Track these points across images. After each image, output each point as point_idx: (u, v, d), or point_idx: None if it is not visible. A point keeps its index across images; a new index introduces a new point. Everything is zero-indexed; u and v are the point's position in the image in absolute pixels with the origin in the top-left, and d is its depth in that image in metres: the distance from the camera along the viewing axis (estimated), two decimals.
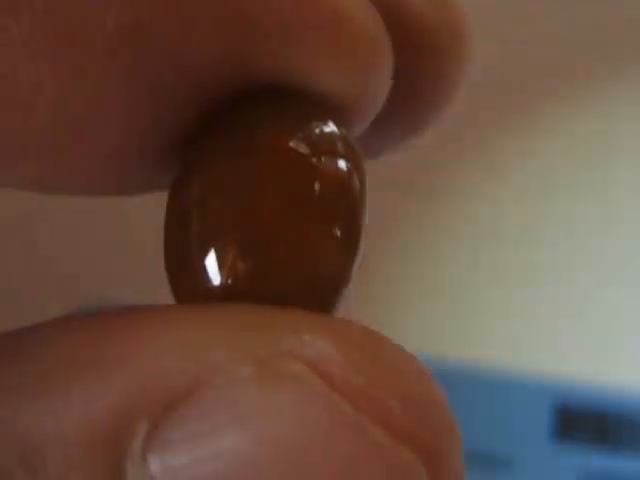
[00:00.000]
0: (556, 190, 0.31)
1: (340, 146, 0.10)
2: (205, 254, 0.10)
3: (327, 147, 0.10)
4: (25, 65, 0.10)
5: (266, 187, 0.10)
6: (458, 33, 0.11)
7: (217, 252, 0.10)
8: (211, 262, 0.10)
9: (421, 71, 0.11)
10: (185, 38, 0.10)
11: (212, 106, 0.10)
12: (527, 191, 0.31)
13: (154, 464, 0.09)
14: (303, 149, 0.10)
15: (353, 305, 0.11)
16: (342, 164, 0.10)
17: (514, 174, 0.32)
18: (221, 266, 0.10)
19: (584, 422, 0.27)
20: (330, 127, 0.10)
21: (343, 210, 0.10)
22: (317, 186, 0.10)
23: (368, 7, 0.10)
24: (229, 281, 0.10)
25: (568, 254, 0.30)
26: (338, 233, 0.10)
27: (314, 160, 0.10)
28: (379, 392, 0.09)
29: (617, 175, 0.31)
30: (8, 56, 0.10)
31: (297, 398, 0.09)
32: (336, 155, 0.10)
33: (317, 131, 0.10)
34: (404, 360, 0.09)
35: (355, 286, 0.11)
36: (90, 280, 0.29)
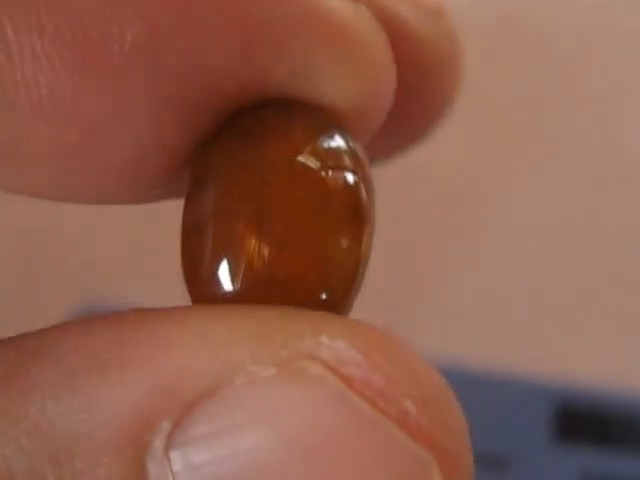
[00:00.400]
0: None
1: (347, 159, 0.11)
2: (219, 263, 0.10)
3: (335, 160, 0.10)
4: (46, 76, 0.10)
5: (277, 201, 0.10)
6: (450, 51, 0.12)
7: (230, 262, 0.10)
8: (224, 271, 0.10)
9: (415, 84, 0.12)
10: (198, 53, 0.10)
11: (224, 116, 0.11)
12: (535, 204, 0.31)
13: (176, 461, 0.09)
14: (312, 163, 0.10)
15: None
16: (350, 177, 0.10)
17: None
18: (233, 275, 0.10)
19: (584, 422, 0.27)
20: (338, 139, 0.11)
21: (351, 221, 0.10)
22: (326, 199, 0.10)
23: (373, 22, 0.11)
24: (242, 287, 0.10)
25: (569, 259, 0.30)
26: (346, 243, 0.10)
27: (323, 174, 0.10)
28: (396, 392, 0.09)
29: None
30: (31, 68, 0.10)
31: (317, 397, 0.09)
32: (344, 168, 0.10)
33: (325, 144, 0.10)
34: (418, 362, 0.09)
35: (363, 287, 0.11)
36: (90, 280, 0.29)
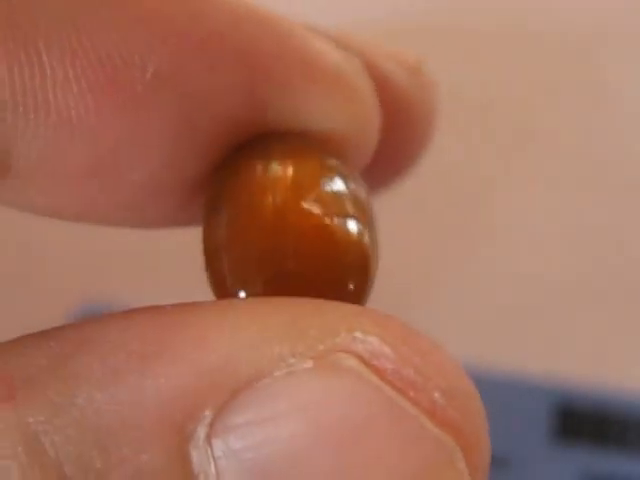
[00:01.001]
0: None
1: (348, 199, 0.12)
2: (236, 290, 0.11)
3: (338, 207, 0.11)
4: (75, 99, 0.11)
5: (284, 242, 0.11)
6: (426, 100, 0.14)
7: (246, 291, 0.11)
8: (242, 296, 0.11)
9: (397, 127, 0.14)
10: (211, 85, 0.12)
11: (233, 145, 0.12)
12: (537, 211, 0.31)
13: (217, 447, 0.09)
14: (317, 210, 0.11)
15: None
16: (353, 224, 0.11)
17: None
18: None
19: (585, 422, 0.27)
20: (337, 179, 0.12)
21: (356, 264, 0.11)
22: (331, 244, 0.11)
23: (361, 69, 0.13)
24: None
25: (569, 259, 0.30)
26: (351, 286, 0.11)
27: (327, 220, 0.11)
28: (425, 384, 0.10)
29: None
30: (62, 90, 0.11)
31: (352, 388, 0.10)
32: (345, 210, 0.11)
33: (329, 188, 0.11)
34: (444, 356, 0.10)
35: None
36: (91, 281, 0.29)
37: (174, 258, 0.27)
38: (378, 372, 0.10)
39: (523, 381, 0.27)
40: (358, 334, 0.10)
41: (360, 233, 0.11)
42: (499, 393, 0.27)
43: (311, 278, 0.11)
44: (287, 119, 0.12)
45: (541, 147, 0.32)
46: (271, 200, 0.11)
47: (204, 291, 0.27)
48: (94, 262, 0.29)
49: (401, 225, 0.30)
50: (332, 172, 0.12)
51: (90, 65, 0.11)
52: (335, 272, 0.11)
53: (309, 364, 0.10)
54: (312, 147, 0.12)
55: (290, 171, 0.11)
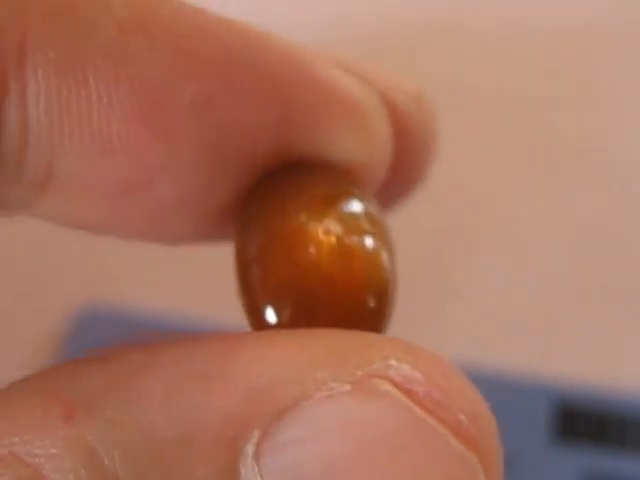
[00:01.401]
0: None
1: (367, 223, 0.12)
2: (265, 308, 0.12)
3: (356, 226, 0.12)
4: (117, 123, 0.12)
5: (307, 263, 0.12)
6: (431, 131, 0.15)
7: (275, 310, 0.12)
8: (271, 314, 0.12)
9: (404, 149, 0.15)
10: (243, 115, 0.13)
11: (261, 173, 0.13)
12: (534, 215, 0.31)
13: (264, 464, 0.10)
14: (337, 229, 0.12)
15: None
16: (370, 241, 0.12)
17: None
18: (279, 318, 0.12)
19: (585, 422, 0.27)
20: (356, 204, 0.13)
21: (375, 281, 0.12)
22: (351, 263, 0.12)
23: (378, 101, 0.14)
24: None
25: (569, 259, 0.30)
26: (372, 303, 0.12)
27: (347, 240, 0.12)
28: (452, 405, 0.11)
29: None
30: (105, 114, 0.12)
31: (388, 410, 0.10)
32: (365, 233, 0.12)
33: (347, 210, 0.12)
34: (465, 381, 0.11)
35: None
36: (93, 282, 0.29)
37: (176, 261, 0.28)
38: (411, 395, 0.10)
39: (523, 381, 0.27)
40: (392, 362, 0.11)
41: (377, 249, 0.12)
42: (499, 393, 0.27)
43: (333, 293, 0.12)
44: (313, 149, 0.13)
45: (545, 147, 0.32)
46: (295, 223, 0.12)
47: (204, 291, 0.27)
48: (96, 264, 0.29)
49: (403, 226, 0.30)
50: (352, 196, 0.13)
51: (133, 92, 0.12)
52: (354, 286, 0.12)
53: (348, 388, 0.10)
54: (334, 175, 0.13)
55: (314, 196, 0.12)
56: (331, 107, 0.13)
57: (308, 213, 0.12)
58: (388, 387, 0.11)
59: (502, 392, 0.27)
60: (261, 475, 0.10)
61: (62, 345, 0.28)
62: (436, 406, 0.11)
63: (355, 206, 0.13)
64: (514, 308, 0.29)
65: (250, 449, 0.10)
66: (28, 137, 0.12)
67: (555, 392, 0.27)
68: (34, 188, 0.13)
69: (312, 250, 0.12)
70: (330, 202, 0.12)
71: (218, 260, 0.26)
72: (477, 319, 0.29)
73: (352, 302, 0.12)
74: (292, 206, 0.12)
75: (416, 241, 0.30)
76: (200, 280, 0.28)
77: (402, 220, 0.30)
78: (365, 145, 0.13)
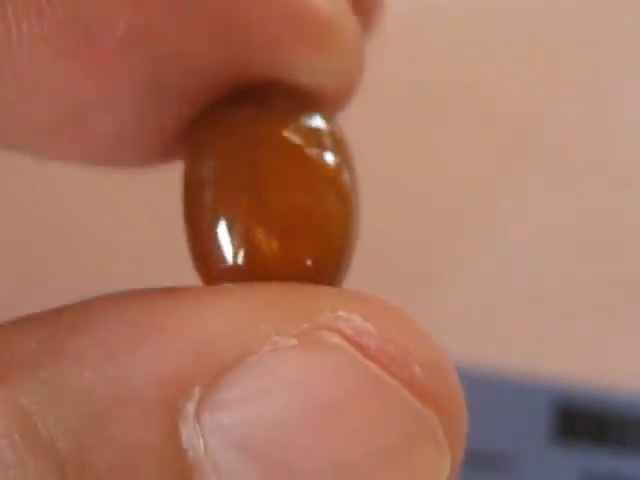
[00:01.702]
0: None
1: (328, 139, 0.11)
2: (216, 219, 0.11)
3: (317, 140, 0.11)
4: (43, 60, 0.11)
5: (267, 174, 0.11)
6: None
7: (226, 218, 0.11)
8: (224, 236, 0.11)
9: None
10: (186, 41, 0.11)
11: (214, 96, 0.12)
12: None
13: (206, 424, 0.10)
14: (298, 142, 0.11)
15: None
16: (331, 157, 0.11)
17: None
18: (233, 240, 0.11)
19: (584, 422, 0.27)
20: (319, 121, 0.12)
21: (335, 197, 0.11)
22: (309, 172, 0.11)
23: (349, 13, 0.12)
24: (243, 259, 0.11)
25: (569, 259, 0.30)
26: (337, 224, 0.11)
27: (307, 150, 0.11)
28: (406, 358, 0.10)
29: None
30: (29, 50, 0.11)
31: (336, 364, 0.10)
32: (325, 147, 0.11)
33: (308, 125, 0.12)
34: (421, 331, 0.10)
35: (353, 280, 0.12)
36: (92, 282, 0.29)
37: (176, 260, 0.27)
38: (361, 348, 0.10)
39: (523, 381, 0.27)
40: (342, 313, 0.10)
41: (339, 167, 0.11)
42: (499, 393, 0.27)
43: (290, 207, 0.11)
44: (270, 71, 0.12)
45: (544, 145, 0.32)
46: (250, 134, 0.11)
47: None
48: (96, 264, 0.29)
49: (401, 223, 0.30)
50: (314, 118, 0.12)
51: (58, 25, 0.11)
52: (313, 200, 0.11)
53: (293, 341, 0.10)
54: (294, 99, 0.12)
55: (270, 113, 0.11)
56: (291, 22, 0.12)
57: (261, 125, 0.11)
58: (337, 339, 0.10)
59: (502, 392, 0.27)
60: (203, 435, 0.10)
61: None
62: (389, 360, 0.10)
63: (315, 119, 0.12)
64: (514, 308, 0.29)
65: (191, 407, 0.10)
66: None
67: (555, 392, 0.27)
68: None
69: (267, 162, 0.11)
70: (286, 113, 0.11)
71: None
72: (477, 319, 0.29)
73: (310, 214, 0.11)
74: (247, 133, 0.11)
75: (417, 240, 0.30)
76: (200, 280, 0.28)
77: (400, 218, 0.30)
78: (331, 67, 0.12)
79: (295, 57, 0.12)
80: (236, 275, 0.11)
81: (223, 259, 0.11)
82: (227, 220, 0.11)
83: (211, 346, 0.10)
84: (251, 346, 0.10)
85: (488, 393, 0.26)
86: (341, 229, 0.11)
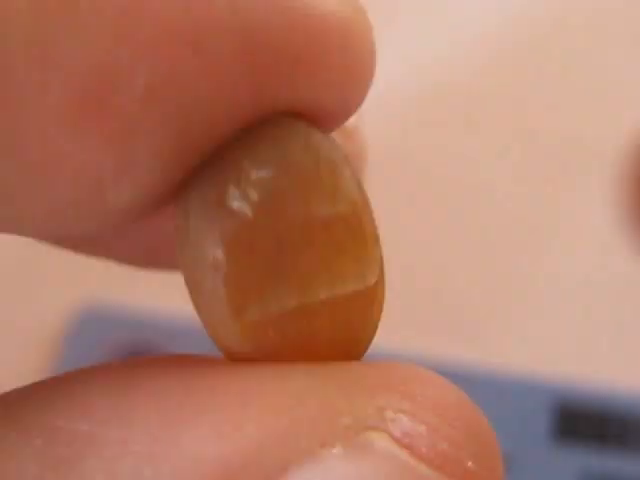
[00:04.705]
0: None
1: (352, 192, 0.10)
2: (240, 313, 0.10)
3: (342, 200, 0.10)
4: (52, 133, 0.09)
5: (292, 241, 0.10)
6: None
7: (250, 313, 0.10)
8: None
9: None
10: (208, 88, 0.10)
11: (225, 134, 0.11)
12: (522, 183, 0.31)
13: None
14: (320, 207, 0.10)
15: None
16: (345, 206, 0.10)
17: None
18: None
19: (584, 422, 0.27)
20: (329, 150, 0.11)
21: (351, 239, 0.10)
22: (335, 242, 0.10)
23: (369, 28, 0.11)
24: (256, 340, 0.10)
25: (568, 259, 0.30)
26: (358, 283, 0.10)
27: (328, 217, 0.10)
28: (459, 454, 0.09)
29: None
30: (35, 125, 0.09)
31: (387, 471, 0.09)
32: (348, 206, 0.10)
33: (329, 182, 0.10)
34: (471, 414, 0.10)
35: None
36: (91, 282, 0.29)
37: None
38: (411, 450, 0.09)
39: (523, 381, 0.27)
40: (388, 413, 0.09)
41: (376, 236, 0.11)
42: (499, 392, 0.27)
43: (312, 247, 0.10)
44: (286, 103, 0.11)
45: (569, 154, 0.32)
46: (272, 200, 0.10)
47: None
48: (96, 264, 0.29)
49: (402, 222, 0.30)
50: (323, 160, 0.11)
51: (65, 89, 0.09)
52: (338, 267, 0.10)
53: (338, 450, 0.09)
54: (300, 128, 0.11)
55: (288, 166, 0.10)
56: (313, 46, 0.10)
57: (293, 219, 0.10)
58: (385, 443, 0.09)
59: (502, 392, 0.27)
60: None
61: (62, 345, 0.28)
62: (442, 459, 0.09)
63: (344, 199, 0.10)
64: (514, 308, 0.29)
65: None
66: None
67: (555, 392, 0.27)
68: None
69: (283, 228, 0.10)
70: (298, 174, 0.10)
71: None
72: (477, 318, 0.29)
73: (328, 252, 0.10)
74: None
75: (418, 239, 0.30)
76: None
77: (405, 221, 0.30)
78: (349, 88, 0.11)
79: (317, 87, 0.10)
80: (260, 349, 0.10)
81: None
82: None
83: (252, 459, 0.09)
84: (293, 456, 0.09)
85: (488, 393, 0.26)
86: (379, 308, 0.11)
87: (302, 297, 0.10)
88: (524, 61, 0.33)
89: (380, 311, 0.11)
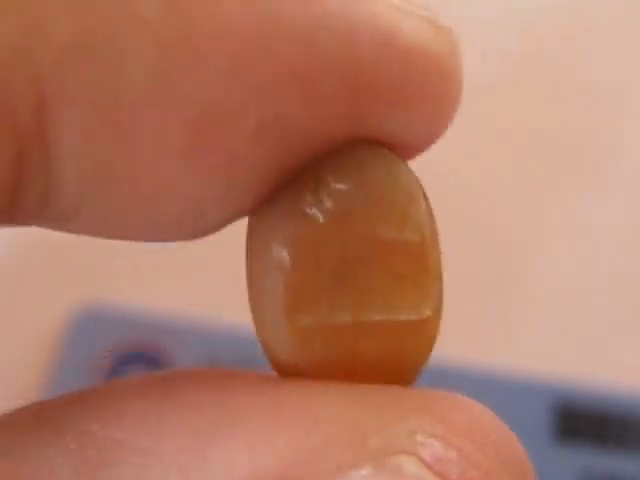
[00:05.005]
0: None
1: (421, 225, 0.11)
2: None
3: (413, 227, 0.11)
4: (164, 165, 0.10)
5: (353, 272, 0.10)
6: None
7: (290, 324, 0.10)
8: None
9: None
10: (314, 124, 0.10)
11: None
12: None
13: None
14: (387, 232, 0.10)
15: None
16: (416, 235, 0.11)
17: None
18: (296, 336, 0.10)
19: (585, 422, 0.27)
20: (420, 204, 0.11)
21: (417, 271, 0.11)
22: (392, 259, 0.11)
23: (457, 50, 0.11)
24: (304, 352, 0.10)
25: (569, 259, 0.30)
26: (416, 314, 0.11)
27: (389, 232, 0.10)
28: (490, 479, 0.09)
29: None
30: (149, 161, 0.10)
31: None
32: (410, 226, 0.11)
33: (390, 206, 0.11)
34: (506, 440, 0.10)
35: None
36: (91, 282, 0.29)
37: (174, 260, 0.28)
38: (442, 477, 0.09)
39: (523, 381, 0.27)
40: (419, 437, 0.09)
41: (439, 271, 0.11)
42: (499, 393, 0.27)
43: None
44: (375, 131, 0.11)
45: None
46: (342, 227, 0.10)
47: (204, 290, 0.27)
48: (96, 263, 0.29)
49: None
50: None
51: (181, 126, 0.09)
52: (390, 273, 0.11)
53: (368, 472, 0.09)
54: (381, 163, 0.11)
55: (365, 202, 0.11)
56: (412, 82, 0.10)
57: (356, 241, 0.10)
58: (415, 468, 0.09)
59: (502, 392, 0.27)
60: None
61: (62, 345, 0.28)
62: None
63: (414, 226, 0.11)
64: (514, 308, 0.29)
65: None
66: (52, 197, 0.10)
67: (555, 392, 0.27)
68: (58, 219, 0.10)
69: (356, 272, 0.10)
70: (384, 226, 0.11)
71: (219, 260, 0.26)
72: (476, 318, 0.29)
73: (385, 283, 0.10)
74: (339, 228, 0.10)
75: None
76: (200, 280, 0.28)
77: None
78: (441, 116, 0.11)
79: (411, 118, 0.11)
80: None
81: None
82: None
83: (273, 477, 0.09)
84: (320, 475, 0.09)
85: (488, 393, 0.26)
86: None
87: (355, 315, 0.10)
88: (530, 65, 0.33)
89: (431, 344, 0.11)
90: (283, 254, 0.10)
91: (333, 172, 0.10)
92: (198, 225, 0.11)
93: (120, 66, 0.09)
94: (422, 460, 0.09)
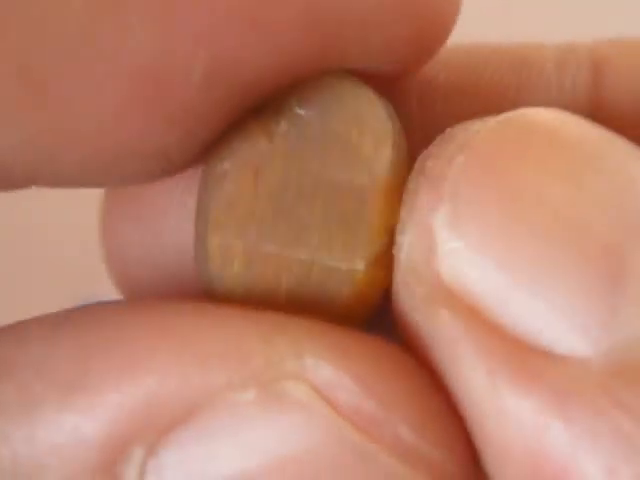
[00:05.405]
0: None
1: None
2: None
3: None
4: (113, 121, 0.09)
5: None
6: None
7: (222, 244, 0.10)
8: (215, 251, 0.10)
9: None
10: (268, 61, 0.10)
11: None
12: None
13: None
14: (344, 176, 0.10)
15: None
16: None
17: None
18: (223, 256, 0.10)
19: None
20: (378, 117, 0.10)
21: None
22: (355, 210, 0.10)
23: None
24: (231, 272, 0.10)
25: None
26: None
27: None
28: (389, 417, 0.08)
29: None
30: (97, 112, 0.09)
31: (301, 424, 0.08)
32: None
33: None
34: (416, 378, 0.09)
35: None
36: (85, 277, 0.29)
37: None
38: (332, 404, 0.08)
39: None
40: (309, 360, 0.08)
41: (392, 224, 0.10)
42: None
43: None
44: (349, 62, 0.10)
45: None
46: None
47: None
48: (95, 263, 0.29)
49: None
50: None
51: (126, 77, 0.09)
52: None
53: (251, 395, 0.08)
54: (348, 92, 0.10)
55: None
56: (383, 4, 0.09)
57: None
58: (302, 393, 0.08)
59: None
60: None
61: None
62: (367, 420, 0.08)
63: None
64: None
65: (133, 471, 0.08)
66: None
67: None
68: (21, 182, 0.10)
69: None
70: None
71: None
72: None
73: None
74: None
75: None
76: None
77: None
78: (424, 37, 0.10)
79: (392, 47, 0.10)
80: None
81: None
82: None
83: (154, 400, 0.08)
84: (202, 401, 0.08)
85: None
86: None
87: (282, 248, 0.10)
88: None
89: (364, 301, 0.10)
90: (223, 166, 0.10)
91: (299, 101, 0.10)
92: (164, 168, 0.10)
93: (49, 23, 0.09)
94: (310, 384, 0.08)
